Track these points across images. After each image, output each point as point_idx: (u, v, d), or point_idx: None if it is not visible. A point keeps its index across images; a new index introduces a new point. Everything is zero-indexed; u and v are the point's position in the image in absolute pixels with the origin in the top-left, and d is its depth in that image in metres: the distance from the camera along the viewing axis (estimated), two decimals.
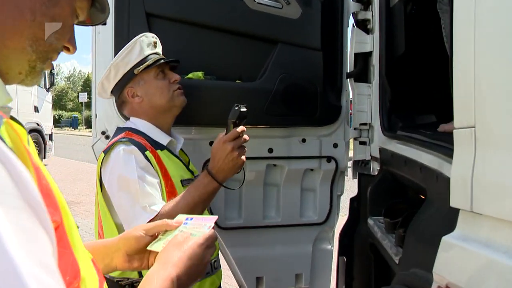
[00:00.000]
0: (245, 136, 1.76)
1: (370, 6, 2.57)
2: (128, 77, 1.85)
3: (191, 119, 2.22)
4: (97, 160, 1.85)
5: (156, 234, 1.11)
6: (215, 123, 2.18)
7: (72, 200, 8.48)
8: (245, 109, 1.73)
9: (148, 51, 1.86)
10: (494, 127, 0.99)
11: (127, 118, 2.32)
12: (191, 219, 1.11)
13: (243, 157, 1.76)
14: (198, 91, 2.18)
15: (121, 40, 2.25)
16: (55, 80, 14.38)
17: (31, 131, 12.52)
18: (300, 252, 2.62)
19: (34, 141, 12.60)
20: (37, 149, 12.83)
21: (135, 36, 2.24)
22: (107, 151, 1.74)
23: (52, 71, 12.91)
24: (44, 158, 13.20)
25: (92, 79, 2.43)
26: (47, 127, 13.13)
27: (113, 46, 2.27)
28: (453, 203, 1.15)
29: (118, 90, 1.89)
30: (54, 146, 13.94)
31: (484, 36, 1.01)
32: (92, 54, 2.39)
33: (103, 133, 2.39)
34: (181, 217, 1.13)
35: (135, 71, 1.83)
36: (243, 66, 2.36)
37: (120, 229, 1.72)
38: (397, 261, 1.92)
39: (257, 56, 2.35)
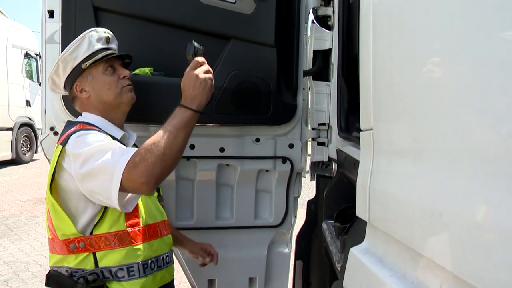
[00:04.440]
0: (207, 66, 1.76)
1: (331, 1, 2.48)
2: (77, 72, 1.81)
3: (139, 116, 2.14)
4: (53, 157, 1.76)
5: None
6: (161, 121, 2.09)
7: None
8: (197, 44, 1.79)
9: (98, 46, 1.82)
10: (386, 130, 0.90)
11: (75, 114, 2.25)
12: None
13: (211, 81, 1.73)
14: (145, 87, 2.10)
15: (67, 34, 2.18)
16: None
17: (22, 125, 12.47)
18: (254, 255, 2.54)
19: (25, 136, 12.62)
20: (28, 144, 12.86)
21: (81, 30, 2.17)
22: (64, 142, 1.67)
23: None
24: (36, 152, 13.15)
25: (41, 73, 2.36)
26: (39, 121, 13.08)
27: (60, 40, 2.20)
28: (358, 212, 1.06)
29: (69, 85, 1.85)
30: None
31: (378, 37, 0.93)
32: (41, 49, 2.31)
33: (51, 129, 2.32)
34: None
35: (83, 66, 1.79)
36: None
37: (74, 220, 1.68)
38: (339, 269, 1.84)
39: (209, 52, 2.25)
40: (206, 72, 1.73)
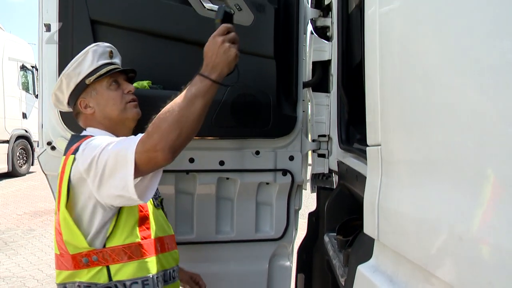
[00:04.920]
0: (235, 34, 1.68)
1: (330, 12, 2.47)
2: (81, 88, 1.78)
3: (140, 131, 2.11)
4: (64, 167, 1.68)
5: None
6: None
7: None
8: (228, 9, 1.71)
9: (101, 61, 1.80)
10: (395, 146, 0.88)
11: (73, 129, 2.22)
12: None
13: (235, 50, 1.66)
14: (143, 101, 2.07)
15: (64, 48, 2.16)
16: None
17: (18, 137, 12.42)
18: (255, 268, 2.51)
19: (21, 148, 12.56)
20: (24, 156, 12.79)
21: (78, 43, 2.16)
22: (75, 152, 1.63)
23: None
24: (32, 165, 13.08)
25: (38, 87, 2.33)
26: (36, 133, 13.03)
27: (57, 53, 2.18)
28: (366, 229, 1.04)
29: (73, 101, 1.82)
30: None
31: (385, 48, 0.90)
32: (39, 62, 2.29)
33: (49, 143, 2.29)
34: None
35: (87, 81, 1.77)
36: (191, 74, 2.25)
37: (85, 233, 1.63)
38: (343, 283, 1.81)
39: None
40: (233, 40, 1.66)
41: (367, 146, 1.02)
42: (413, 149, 0.83)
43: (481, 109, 0.66)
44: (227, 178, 2.40)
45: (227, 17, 1.71)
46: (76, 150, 1.64)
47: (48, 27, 2.21)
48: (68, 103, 1.85)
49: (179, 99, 1.55)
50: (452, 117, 0.73)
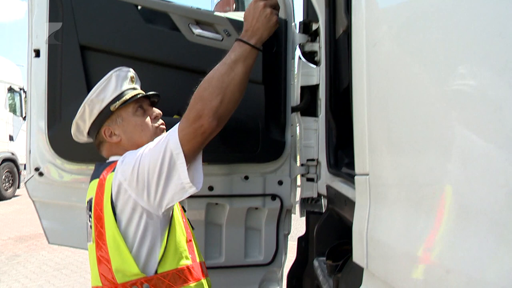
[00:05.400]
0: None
1: (318, 37, 2.50)
2: (105, 115, 1.70)
3: None
4: (103, 186, 1.58)
5: None
6: None
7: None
8: None
9: (125, 86, 1.73)
10: (384, 175, 0.88)
11: (62, 155, 2.20)
12: None
13: (277, 16, 1.61)
14: None
15: (54, 73, 2.16)
16: None
17: (4, 160, 12.28)
18: None
19: (7, 171, 12.41)
20: (10, 179, 12.63)
21: (67, 68, 2.16)
22: (114, 169, 1.56)
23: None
24: (18, 188, 12.91)
25: (27, 111, 2.32)
26: (23, 156, 12.89)
27: (46, 78, 2.17)
28: (355, 258, 1.03)
29: (95, 130, 1.73)
30: None
31: (372, 77, 0.92)
32: (27, 87, 2.29)
33: (36, 169, 2.27)
34: None
35: (112, 108, 1.69)
36: (182, 101, 2.25)
37: (136, 258, 1.50)
38: None
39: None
40: (274, 6, 1.62)
41: (355, 175, 1.03)
42: (401, 179, 0.84)
43: (468, 138, 0.67)
44: (216, 204, 2.39)
45: None
46: (114, 169, 1.56)
47: (37, 53, 2.21)
48: (89, 133, 1.76)
49: (219, 66, 1.53)
50: (440, 147, 0.73)
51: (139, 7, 2.23)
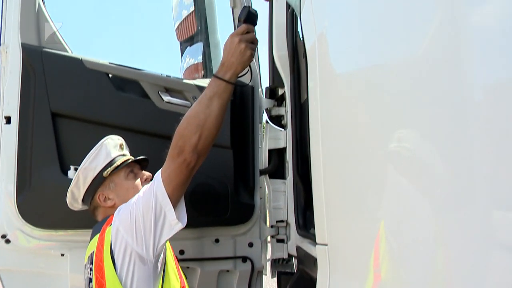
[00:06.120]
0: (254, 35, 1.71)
1: (284, 102, 2.60)
2: (98, 181, 1.80)
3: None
4: (103, 238, 1.68)
5: None
6: None
7: None
8: (254, 10, 1.73)
9: (115, 152, 1.85)
10: (341, 248, 0.93)
11: (31, 222, 2.19)
12: None
13: (251, 51, 1.67)
14: None
15: (24, 139, 2.18)
16: None
17: None
18: None
19: None
20: None
21: (39, 135, 2.18)
22: (111, 223, 1.67)
23: None
24: None
25: None
26: None
27: (16, 144, 2.19)
28: None
29: (89, 197, 1.83)
30: None
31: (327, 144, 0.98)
32: None
33: (3, 236, 2.24)
34: None
35: (104, 174, 1.79)
36: (154, 166, 2.29)
37: None
38: None
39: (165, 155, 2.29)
40: (250, 41, 1.69)
41: (316, 244, 1.08)
42: (359, 251, 0.88)
43: (420, 206, 0.73)
44: (188, 267, 2.38)
45: (250, 17, 1.73)
46: (111, 224, 1.66)
47: (8, 119, 2.23)
48: (83, 200, 1.84)
49: (196, 104, 1.63)
50: (395, 220, 0.79)
51: (110, 75, 2.30)
